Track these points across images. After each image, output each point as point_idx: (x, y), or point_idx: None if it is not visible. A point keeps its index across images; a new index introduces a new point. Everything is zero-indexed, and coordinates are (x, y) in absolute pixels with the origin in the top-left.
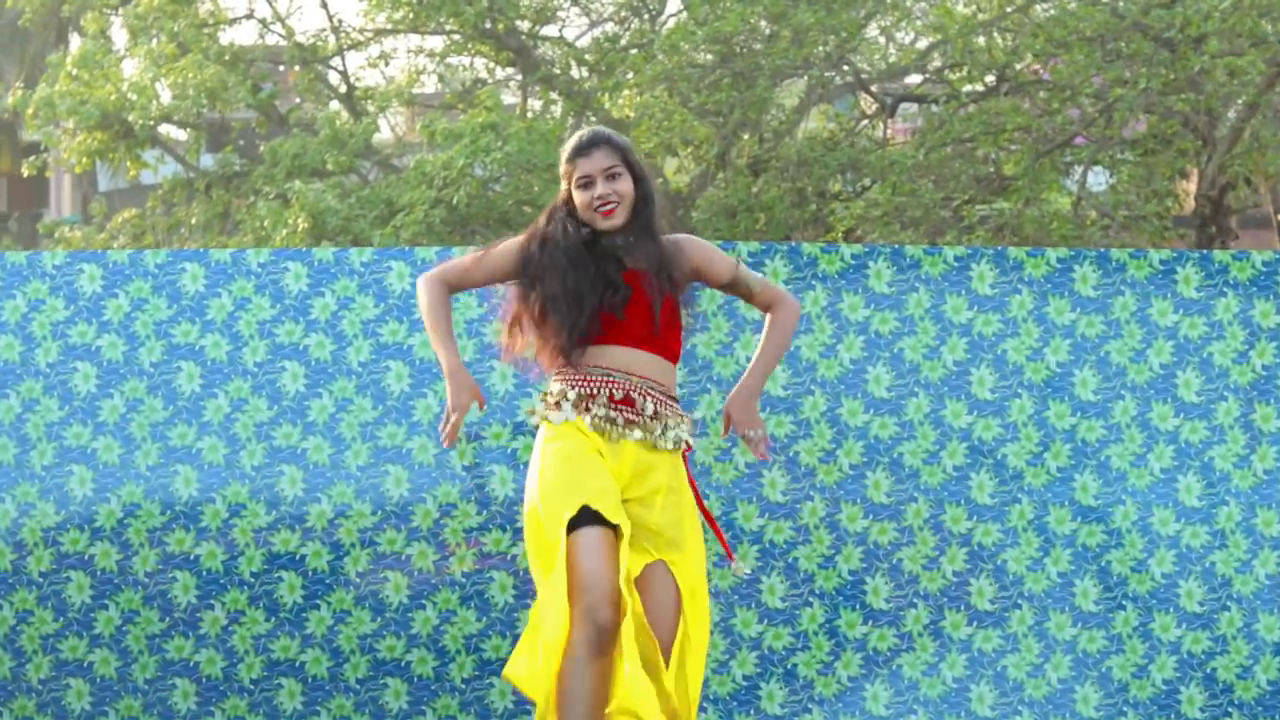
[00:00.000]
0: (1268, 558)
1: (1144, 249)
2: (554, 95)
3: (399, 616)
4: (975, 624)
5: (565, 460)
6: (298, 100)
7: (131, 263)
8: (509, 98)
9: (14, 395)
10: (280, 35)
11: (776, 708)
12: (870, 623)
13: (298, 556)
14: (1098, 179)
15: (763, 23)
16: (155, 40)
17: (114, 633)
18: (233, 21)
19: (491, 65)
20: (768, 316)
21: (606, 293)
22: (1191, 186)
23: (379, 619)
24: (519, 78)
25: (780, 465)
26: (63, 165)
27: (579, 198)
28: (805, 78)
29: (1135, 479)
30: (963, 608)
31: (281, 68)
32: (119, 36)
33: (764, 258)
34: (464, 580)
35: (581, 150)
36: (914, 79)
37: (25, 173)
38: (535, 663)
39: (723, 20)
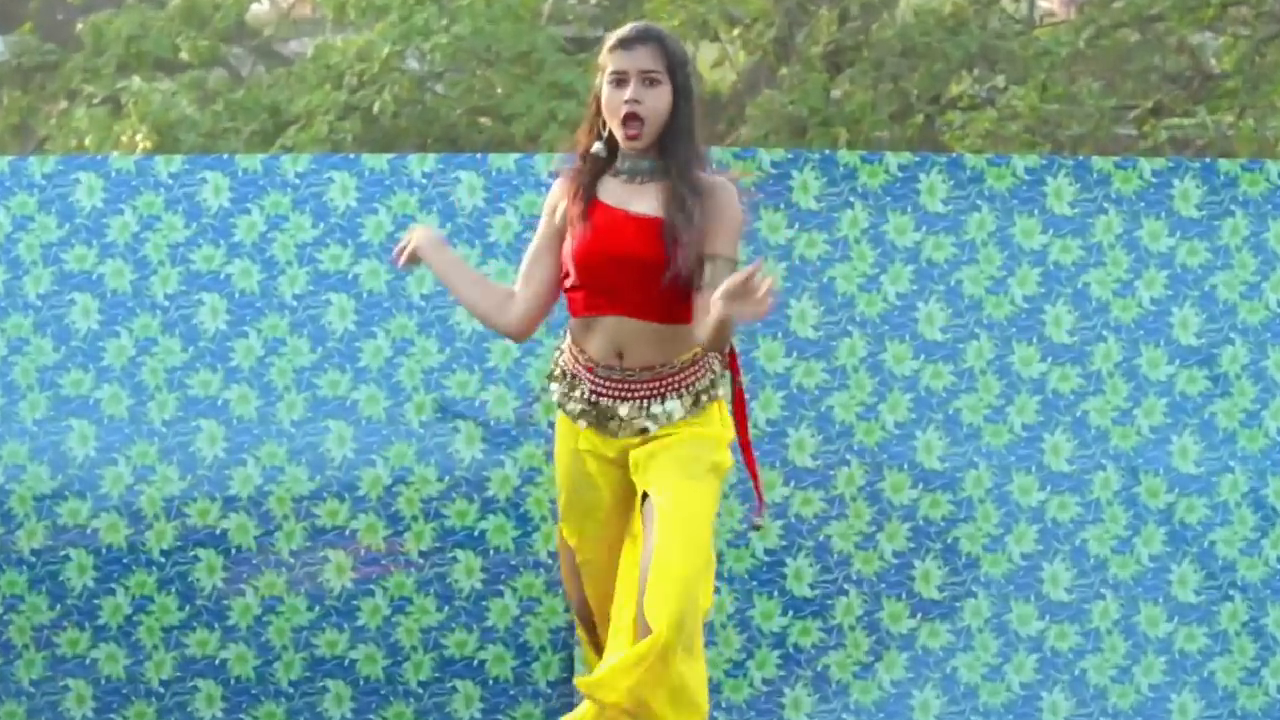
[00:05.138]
0: None
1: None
2: None
3: (341, 605)
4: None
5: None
6: None
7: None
8: None
9: None
10: None
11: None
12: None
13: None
14: None
15: None
16: None
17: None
18: None
19: None
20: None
21: None
22: None
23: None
24: None
25: (810, 423)
26: None
27: (606, 95)
28: None
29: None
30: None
31: None
32: None
33: (791, 169)
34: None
35: (624, 42)
36: None
37: None
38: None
39: None
